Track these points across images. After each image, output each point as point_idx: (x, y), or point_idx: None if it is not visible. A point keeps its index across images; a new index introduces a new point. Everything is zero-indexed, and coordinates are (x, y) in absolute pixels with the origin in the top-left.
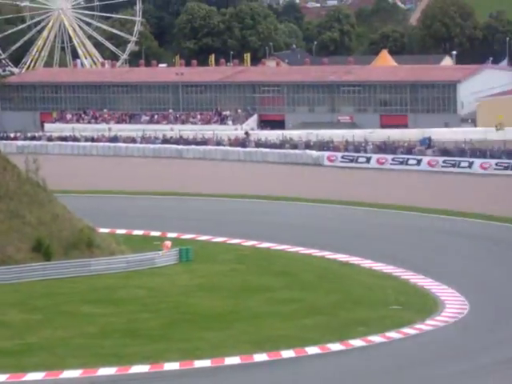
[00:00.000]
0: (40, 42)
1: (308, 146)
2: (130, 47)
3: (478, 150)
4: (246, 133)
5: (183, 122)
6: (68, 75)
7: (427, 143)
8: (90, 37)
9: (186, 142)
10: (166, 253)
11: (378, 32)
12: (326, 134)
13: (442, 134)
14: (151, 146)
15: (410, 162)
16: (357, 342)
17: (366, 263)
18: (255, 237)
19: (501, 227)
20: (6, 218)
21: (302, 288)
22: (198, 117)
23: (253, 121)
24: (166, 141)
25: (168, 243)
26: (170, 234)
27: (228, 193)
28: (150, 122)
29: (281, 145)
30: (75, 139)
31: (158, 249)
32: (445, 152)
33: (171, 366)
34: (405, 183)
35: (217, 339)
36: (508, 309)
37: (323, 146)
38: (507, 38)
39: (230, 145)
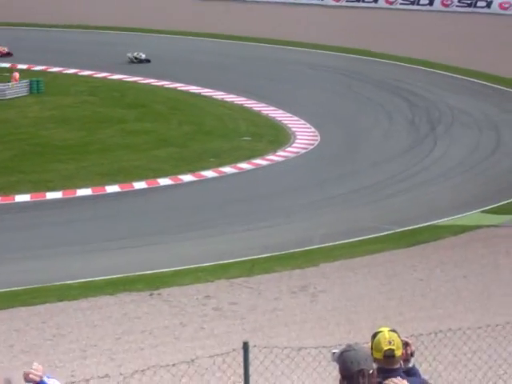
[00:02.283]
0: None
1: None
2: None
3: None
4: None
5: None
6: None
7: None
8: None
9: None
10: (15, 84)
11: None
12: None
13: None
14: None
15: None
16: (209, 173)
17: (218, 95)
18: (107, 68)
19: None
20: None
21: (154, 119)
22: None
23: None
24: None
25: (16, 74)
26: (20, 66)
27: (81, 23)
28: None
29: None
30: None
31: (7, 80)
32: None
33: (22, 197)
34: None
35: (68, 171)
36: (356, 142)
37: None
38: None
39: None
